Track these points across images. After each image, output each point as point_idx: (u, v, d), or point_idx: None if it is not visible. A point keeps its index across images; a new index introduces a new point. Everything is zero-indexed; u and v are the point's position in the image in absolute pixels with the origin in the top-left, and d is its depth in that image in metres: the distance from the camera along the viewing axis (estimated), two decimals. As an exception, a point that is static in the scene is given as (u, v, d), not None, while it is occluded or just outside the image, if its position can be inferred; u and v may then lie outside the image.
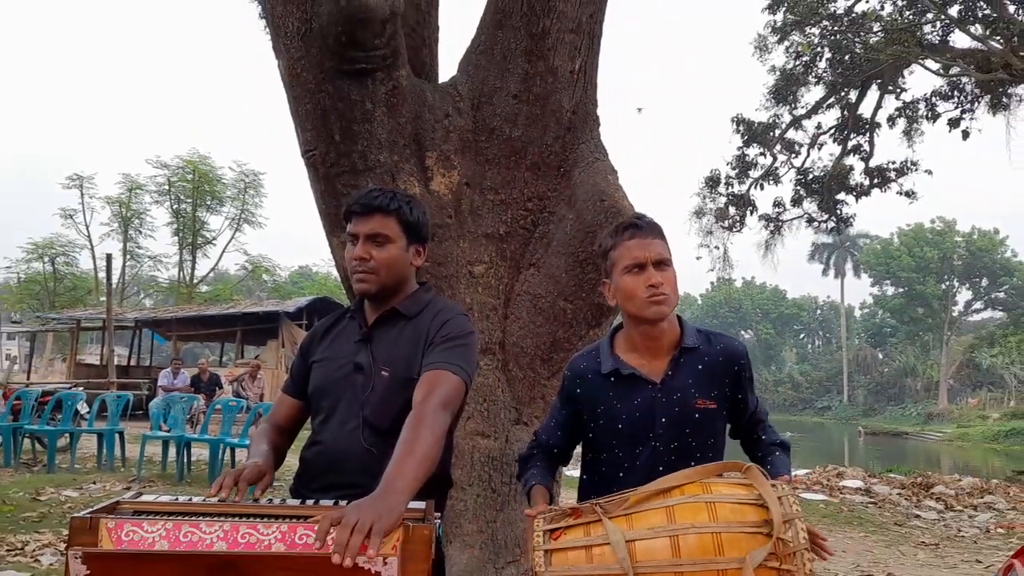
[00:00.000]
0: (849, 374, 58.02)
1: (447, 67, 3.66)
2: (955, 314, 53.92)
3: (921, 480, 11.52)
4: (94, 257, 34.00)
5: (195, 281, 35.30)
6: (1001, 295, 52.26)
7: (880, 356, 59.04)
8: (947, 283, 52.98)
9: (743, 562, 1.54)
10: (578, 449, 2.21)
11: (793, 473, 2.07)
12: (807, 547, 1.56)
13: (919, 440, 38.83)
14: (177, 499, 1.63)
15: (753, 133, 15.96)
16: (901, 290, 54.49)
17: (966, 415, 43.27)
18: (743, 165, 16.25)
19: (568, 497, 3.04)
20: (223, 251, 35.03)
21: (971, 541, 7.70)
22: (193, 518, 1.47)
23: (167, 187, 33.23)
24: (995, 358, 45.27)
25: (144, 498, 1.64)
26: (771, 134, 16.02)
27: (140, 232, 34.75)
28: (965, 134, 14.13)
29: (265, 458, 1.88)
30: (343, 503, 1.56)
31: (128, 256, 34.76)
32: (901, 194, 15.29)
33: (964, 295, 54.54)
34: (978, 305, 55.04)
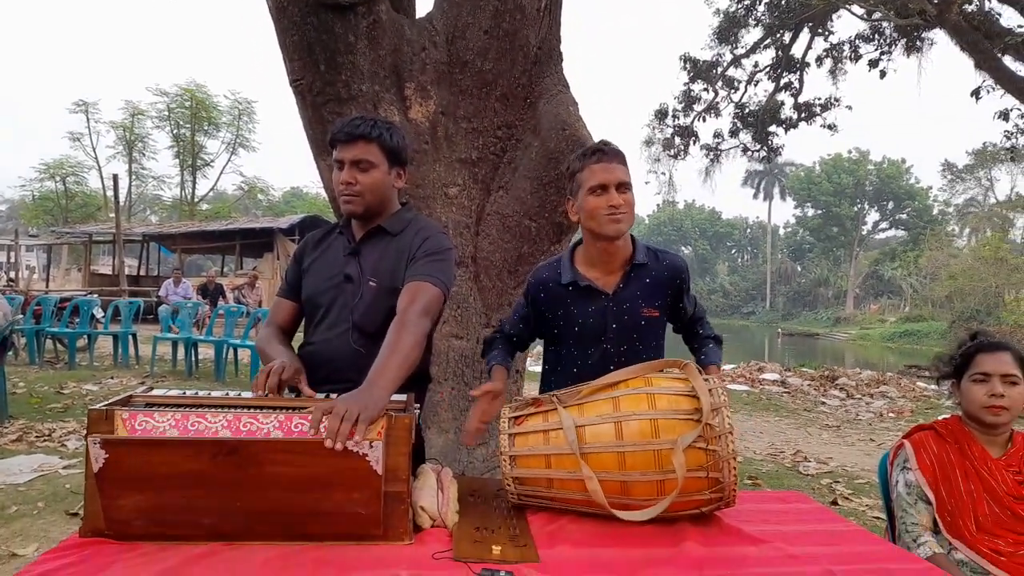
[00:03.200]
0: (772, 284, 59.18)
1: (423, 3, 3.50)
2: (864, 233, 54.88)
3: (827, 373, 11.92)
4: (102, 177, 32.97)
5: (196, 200, 34.44)
6: (904, 216, 53.13)
7: (799, 269, 60.09)
8: (859, 206, 53.65)
9: (675, 443, 1.59)
10: (539, 348, 2.24)
11: (723, 364, 2.13)
12: (731, 431, 1.61)
13: (828, 340, 39.96)
14: (185, 393, 1.61)
15: (698, 70, 15.70)
16: (820, 212, 55.10)
17: (868, 319, 44.54)
18: (688, 99, 16.05)
19: (531, 389, 3.09)
20: (221, 172, 34.31)
21: (867, 424, 8.06)
22: (199, 409, 1.46)
23: (167, 113, 32.11)
24: (895, 271, 46.47)
25: (155, 392, 1.62)
26: (714, 71, 15.76)
27: (143, 155, 33.80)
28: (883, 73, 14.02)
29: (290, 357, 1.84)
30: (334, 396, 1.57)
31: (133, 176, 33.78)
32: (824, 127, 15.29)
33: (873, 216, 55.40)
34: (884, 225, 56.00)
